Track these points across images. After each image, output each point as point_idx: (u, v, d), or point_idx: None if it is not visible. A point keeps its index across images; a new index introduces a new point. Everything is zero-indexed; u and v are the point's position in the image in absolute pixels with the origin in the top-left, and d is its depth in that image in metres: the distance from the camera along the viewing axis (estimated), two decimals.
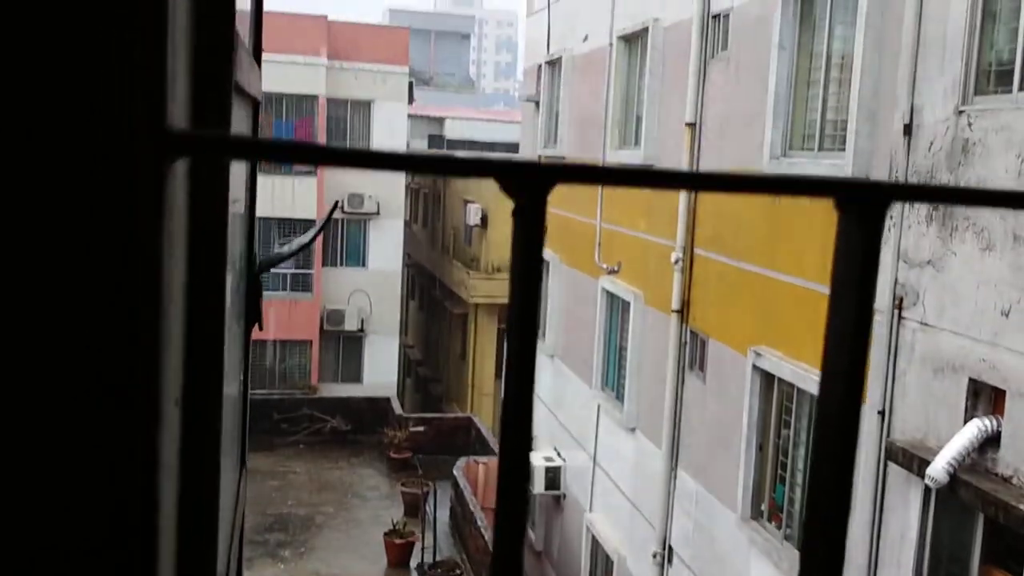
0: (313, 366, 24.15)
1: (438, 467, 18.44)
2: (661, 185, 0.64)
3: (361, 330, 24.55)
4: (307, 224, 22.91)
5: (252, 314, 1.83)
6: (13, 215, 0.51)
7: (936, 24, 5.99)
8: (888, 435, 6.29)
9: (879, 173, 6.60)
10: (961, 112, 5.75)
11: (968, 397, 5.63)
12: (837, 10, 7.33)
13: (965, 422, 5.56)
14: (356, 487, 19.15)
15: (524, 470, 0.58)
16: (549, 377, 13.81)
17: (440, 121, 35.22)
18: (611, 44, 11.78)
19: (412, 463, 19.74)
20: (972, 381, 5.60)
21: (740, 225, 8.70)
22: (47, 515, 0.52)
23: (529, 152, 15.42)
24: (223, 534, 1.25)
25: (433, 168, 0.58)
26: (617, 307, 11.74)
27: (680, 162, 9.71)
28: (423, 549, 15.43)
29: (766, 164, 7.99)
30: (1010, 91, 5.52)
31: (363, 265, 24.88)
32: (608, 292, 11.86)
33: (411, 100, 25.96)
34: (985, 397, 5.56)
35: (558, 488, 13.32)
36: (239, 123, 1.33)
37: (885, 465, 6.28)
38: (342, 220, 24.14)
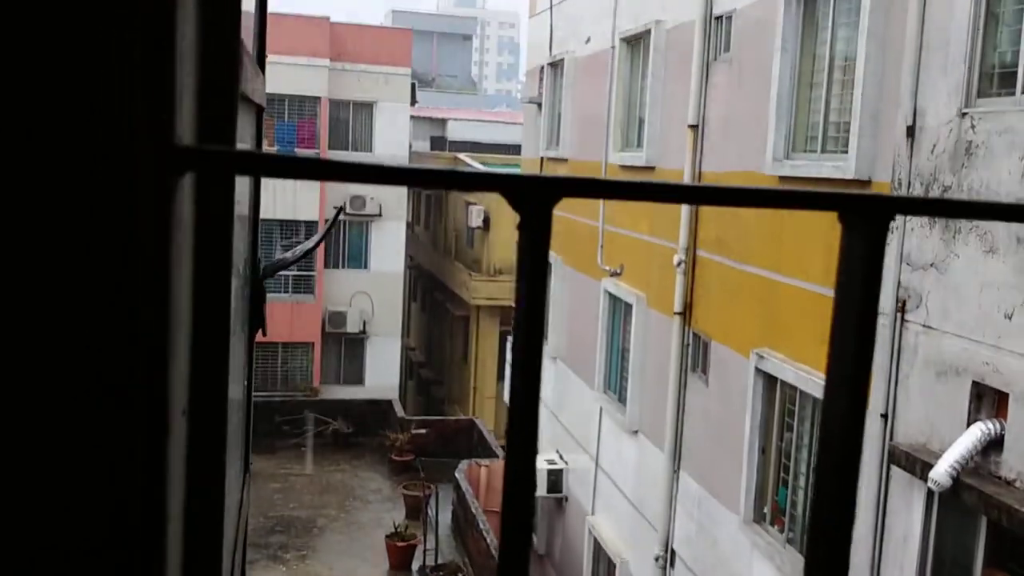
0: (315, 368, 24.16)
1: (440, 470, 18.44)
2: (666, 199, 0.64)
3: (363, 332, 24.55)
4: (309, 226, 22.93)
5: (256, 319, 1.83)
6: (25, 230, 0.51)
7: (939, 26, 5.99)
8: (891, 438, 6.28)
9: (882, 175, 6.60)
10: (964, 114, 5.75)
11: (971, 400, 5.62)
12: (840, 12, 7.33)
13: (968, 425, 5.55)
14: (358, 490, 19.15)
15: (529, 476, 0.58)
16: (551, 379, 13.81)
17: (442, 122, 35.24)
18: (614, 46, 11.78)
19: (414, 465, 19.73)
20: (975, 384, 5.60)
21: (743, 227, 8.70)
22: (48, 515, 0.52)
23: (531, 154, 15.42)
24: (227, 538, 1.25)
25: (440, 182, 0.58)
26: (619, 309, 11.74)
27: (682, 164, 9.71)
28: (425, 552, 15.43)
29: (769, 166, 7.99)
30: (1013, 93, 5.52)
31: (365, 267, 24.89)
32: (610, 294, 11.85)
33: (413, 101, 25.98)
34: (988, 400, 5.56)
35: (560, 491, 13.32)
36: (244, 131, 1.33)
37: (888, 468, 6.27)
38: (344, 222, 24.15)
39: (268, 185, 20.86)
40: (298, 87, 22.84)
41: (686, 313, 9.72)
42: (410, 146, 26.61)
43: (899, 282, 6.28)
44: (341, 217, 23.45)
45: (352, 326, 24.27)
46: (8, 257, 0.51)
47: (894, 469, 6.20)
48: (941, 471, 5.43)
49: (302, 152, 22.41)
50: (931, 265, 6.03)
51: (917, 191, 6.16)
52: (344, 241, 24.69)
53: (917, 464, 5.85)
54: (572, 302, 13.34)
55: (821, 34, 7.61)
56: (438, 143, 34.42)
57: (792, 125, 7.90)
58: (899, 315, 6.25)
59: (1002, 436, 5.36)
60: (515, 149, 26.78)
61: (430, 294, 28.86)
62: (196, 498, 0.75)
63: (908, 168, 6.26)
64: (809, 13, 7.76)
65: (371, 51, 24.44)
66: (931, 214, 0.67)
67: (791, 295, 7.77)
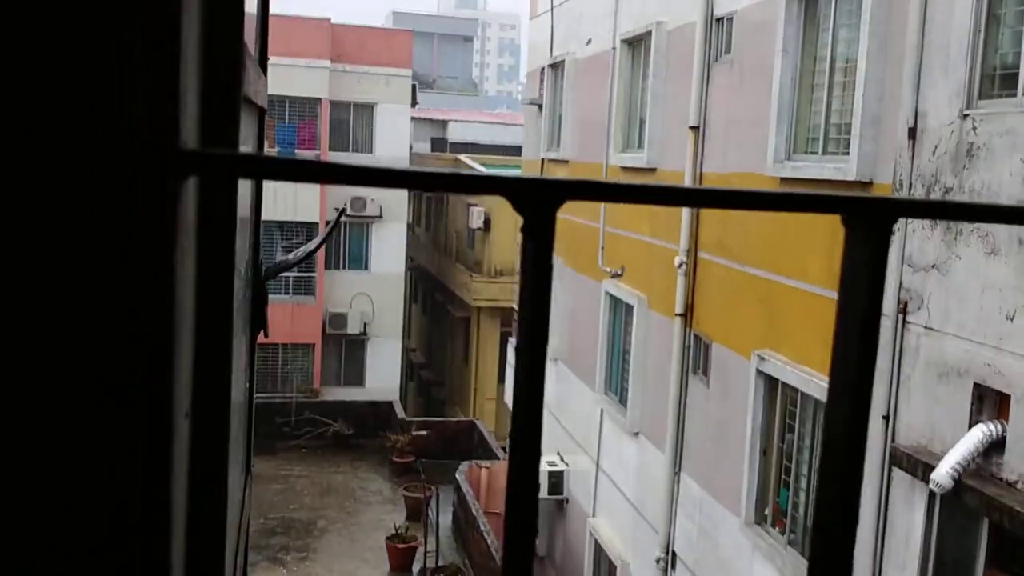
0: (315, 370, 24.16)
1: (441, 471, 18.44)
2: (668, 202, 0.64)
3: (363, 333, 24.55)
4: (310, 227, 22.94)
5: (258, 321, 1.83)
6: (27, 232, 0.51)
7: (940, 28, 5.99)
8: (893, 440, 6.28)
9: (883, 177, 6.60)
10: (966, 116, 5.74)
11: (973, 402, 5.62)
12: (841, 14, 7.33)
13: (970, 427, 5.54)
14: (358, 491, 19.15)
15: (533, 481, 0.58)
16: (552, 381, 13.81)
17: (443, 124, 35.26)
18: (614, 47, 11.79)
19: (415, 467, 19.73)
20: (977, 386, 5.59)
21: (744, 229, 8.70)
22: (48, 515, 0.52)
23: (532, 155, 15.43)
24: (229, 539, 1.25)
25: (443, 185, 0.58)
26: (620, 311, 11.74)
27: (683, 165, 9.71)
28: (425, 554, 15.42)
29: (770, 168, 7.99)
30: (1015, 95, 5.52)
31: (366, 268, 24.89)
32: (611, 296, 11.85)
33: (414, 103, 25.99)
34: (990, 402, 5.55)
35: (561, 493, 13.31)
36: (246, 133, 1.33)
37: (889, 470, 6.27)
38: (345, 223, 24.15)
39: (269, 187, 20.85)
40: (299, 88, 22.85)
41: (687, 315, 9.71)
42: (411, 147, 26.63)
43: (901, 283, 6.28)
44: (342, 219, 23.50)
45: (353, 327, 24.27)
46: (10, 258, 0.51)
47: (895, 471, 6.20)
48: (943, 473, 5.43)
49: (302, 154, 22.42)
50: (933, 266, 6.03)
51: (919, 193, 6.16)
52: (345, 242, 24.69)
53: (919, 466, 5.85)
54: (573, 304, 13.33)
55: (822, 36, 7.61)
56: (439, 144, 34.44)
57: (793, 126, 7.90)
58: (901, 316, 6.25)
59: (1004, 438, 5.35)
60: (516, 150, 26.79)
61: (431, 295, 28.87)
62: (199, 499, 0.75)
63: (909, 170, 6.26)
64: (810, 15, 7.76)
65: (372, 52, 24.45)
66: (935, 216, 0.66)
67: (792, 297, 7.76)
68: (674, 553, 9.95)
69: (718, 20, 9.27)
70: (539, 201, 0.58)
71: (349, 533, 17.11)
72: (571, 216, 12.78)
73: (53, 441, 0.52)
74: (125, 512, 0.54)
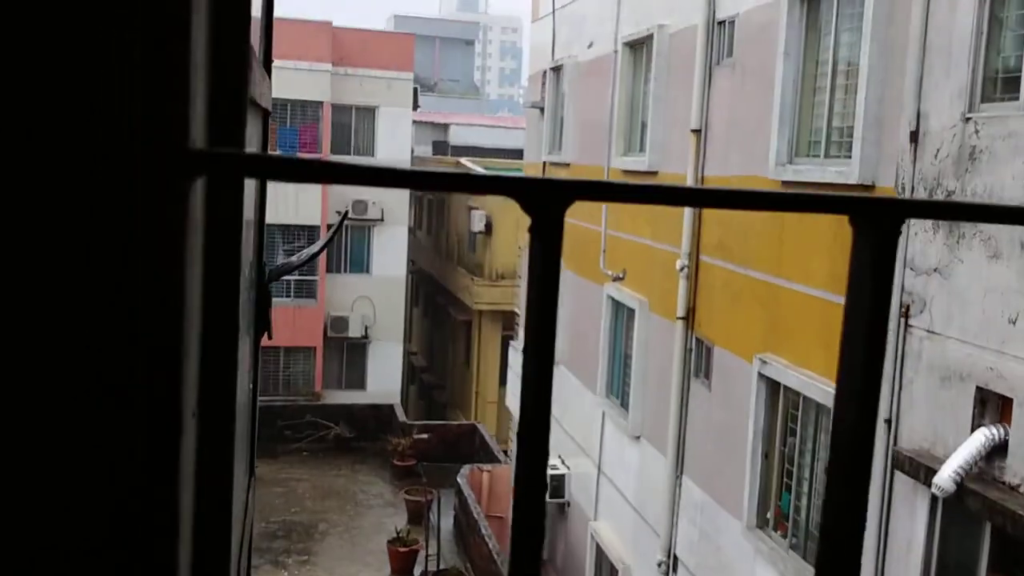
0: (317, 373, 24.16)
1: (442, 475, 18.43)
2: (676, 202, 0.64)
3: (365, 337, 24.56)
4: (311, 231, 22.95)
5: (261, 323, 1.83)
6: (41, 234, 0.51)
7: (942, 31, 5.99)
8: (895, 444, 6.27)
9: (885, 180, 6.59)
10: (968, 119, 5.74)
11: (975, 405, 5.61)
12: (843, 17, 7.33)
13: (972, 431, 5.54)
14: (359, 495, 19.14)
15: (540, 486, 0.58)
16: (554, 385, 13.77)
17: (445, 127, 35.28)
18: (616, 50, 11.80)
19: (416, 471, 19.72)
20: (979, 389, 5.59)
21: (746, 232, 8.70)
22: (48, 515, 0.52)
23: (534, 158, 15.43)
24: (234, 540, 1.25)
25: (451, 185, 0.58)
26: (622, 314, 11.73)
27: (685, 169, 9.71)
28: (427, 557, 15.40)
29: (772, 171, 7.99)
30: (1017, 98, 5.52)
31: (367, 272, 24.90)
32: (613, 299, 11.85)
33: (416, 106, 26.01)
34: (992, 405, 5.55)
35: (563, 496, 13.30)
36: (251, 135, 1.33)
37: (892, 474, 6.26)
38: (346, 227, 24.17)
39: (270, 190, 20.81)
40: (300, 92, 22.88)
41: (689, 318, 9.71)
42: (412, 151, 26.64)
43: (903, 287, 6.28)
44: (345, 222, 23.51)
45: (354, 331, 24.27)
46: (15, 257, 0.51)
47: (898, 474, 6.19)
48: (945, 476, 5.42)
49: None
50: (935, 270, 6.03)
51: (921, 196, 6.16)
52: (346, 246, 24.70)
53: (921, 469, 5.84)
54: (574, 307, 13.33)
55: (824, 39, 7.61)
56: (440, 148, 34.46)
57: (795, 129, 7.90)
58: (903, 320, 6.25)
59: (1006, 441, 5.34)
60: (517, 154, 26.82)
61: (432, 299, 28.87)
62: (205, 499, 0.75)
63: (912, 173, 6.26)
64: (812, 18, 7.77)
65: (373, 56, 24.48)
66: (942, 217, 0.66)
67: (794, 300, 7.76)
68: (675, 557, 9.93)
69: (720, 23, 9.27)
70: (547, 202, 0.58)
71: (350, 536, 17.10)
72: (573, 219, 12.78)
73: (53, 441, 0.52)
74: (125, 512, 0.54)
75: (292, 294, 23.64)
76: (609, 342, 12.01)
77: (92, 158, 0.51)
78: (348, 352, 24.82)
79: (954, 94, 5.86)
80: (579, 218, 12.61)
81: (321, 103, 23.68)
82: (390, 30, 44.92)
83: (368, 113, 24.62)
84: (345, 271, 24.74)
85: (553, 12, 14.30)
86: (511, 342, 17.29)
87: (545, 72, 14.67)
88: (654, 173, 10.69)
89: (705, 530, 9.32)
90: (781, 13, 7.91)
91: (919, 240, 6.18)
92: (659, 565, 10.06)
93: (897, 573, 6.28)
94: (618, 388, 11.86)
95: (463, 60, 65.41)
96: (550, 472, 13.22)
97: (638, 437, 11.02)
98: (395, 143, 24.38)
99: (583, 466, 12.84)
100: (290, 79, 21.86)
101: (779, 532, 8.10)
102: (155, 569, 0.55)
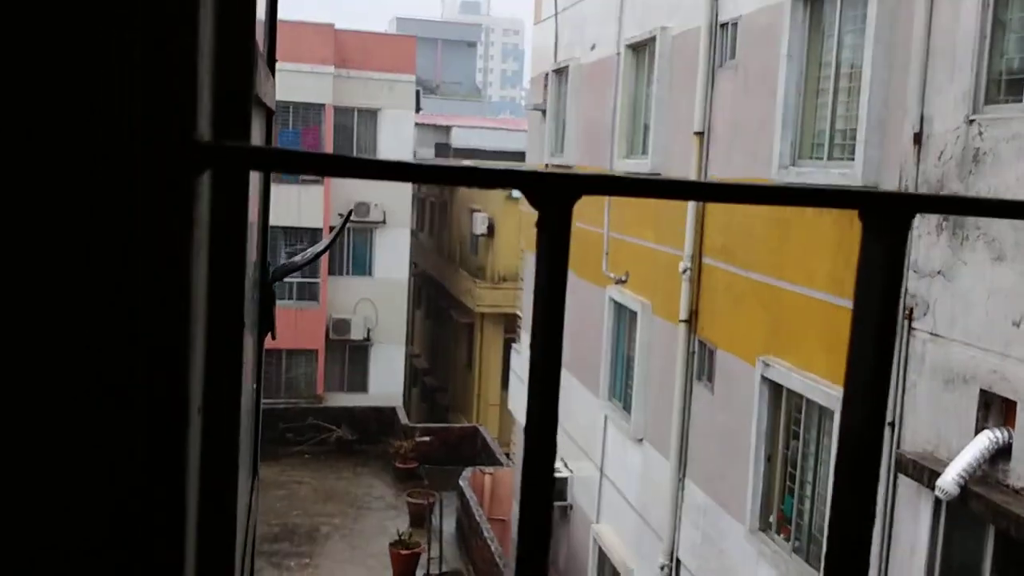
0: (319, 375, 24.17)
1: (444, 477, 18.41)
2: (688, 197, 0.63)
3: (367, 339, 24.56)
4: (313, 233, 22.97)
5: (265, 323, 1.83)
6: (48, 226, 0.51)
7: (946, 33, 5.99)
8: (898, 447, 6.25)
9: (889, 183, 6.59)
10: (971, 121, 5.74)
11: (979, 408, 5.60)
12: (846, 19, 7.33)
13: (976, 433, 5.52)
14: (361, 497, 19.13)
15: (547, 486, 0.58)
16: None
17: (446, 129, 35.29)
18: (619, 52, 11.80)
19: (418, 473, 19.71)
20: (983, 392, 5.57)
21: (748, 235, 8.69)
22: (48, 515, 0.52)
23: (535, 160, 15.44)
24: (238, 541, 1.25)
25: (459, 179, 0.58)
26: (624, 317, 11.73)
27: (688, 171, 9.71)
28: (429, 560, 15.39)
29: (775, 173, 7.98)
30: (1020, 100, 5.51)
31: (369, 274, 24.91)
32: (615, 302, 11.84)
33: (418, 108, 26.03)
34: (996, 408, 5.53)
35: (565, 499, 13.28)
36: (256, 133, 1.33)
37: (895, 477, 6.25)
38: (349, 229, 24.19)
39: (273, 192, 20.80)
40: (303, 94, 22.90)
41: (691, 321, 9.70)
42: (414, 153, 26.65)
43: (906, 289, 6.27)
44: (347, 223, 23.50)
45: (356, 333, 24.28)
46: (17, 255, 0.51)
47: (901, 477, 6.18)
48: (949, 480, 5.41)
49: None
50: (938, 272, 6.01)
51: None
52: (348, 248, 24.72)
53: (924, 472, 5.82)
54: (577, 310, 13.32)
55: (827, 41, 7.61)
56: (442, 150, 34.46)
57: (798, 132, 7.90)
58: (906, 323, 6.24)
59: (1010, 444, 5.33)
60: (519, 156, 26.82)
61: (434, 301, 28.87)
62: (209, 498, 0.74)
63: (915, 175, 6.25)
64: (815, 20, 7.76)
65: (375, 58, 24.51)
66: (954, 212, 0.66)
67: (797, 303, 7.75)
68: (678, 560, 9.91)
69: (723, 25, 9.27)
70: (556, 195, 0.58)
71: (352, 539, 17.09)
72: (575, 221, 12.70)
73: (53, 441, 0.52)
74: (126, 512, 0.53)
75: (294, 297, 23.65)
76: (611, 345, 12.00)
77: (98, 152, 0.51)
78: (350, 354, 24.82)
79: (958, 96, 5.85)
80: (582, 220, 12.61)
81: (323, 105, 23.71)
82: (392, 32, 44.98)
83: (370, 115, 24.65)
84: (347, 273, 24.76)
85: (555, 14, 14.31)
86: (513, 345, 17.28)
87: (547, 74, 14.67)
88: (656, 175, 10.68)
89: (708, 533, 9.30)
90: (784, 15, 7.91)
91: (923, 242, 6.17)
92: (662, 568, 10.04)
93: None
94: (620, 391, 11.85)
95: (465, 62, 65.45)
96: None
97: (640, 440, 11.01)
98: (397, 145, 24.40)
99: (585, 469, 12.83)
100: (292, 81, 21.89)
101: (782, 535, 8.08)
102: (160, 570, 0.55)
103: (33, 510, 0.52)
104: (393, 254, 24.93)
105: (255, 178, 1.51)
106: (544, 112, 14.76)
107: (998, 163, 5.55)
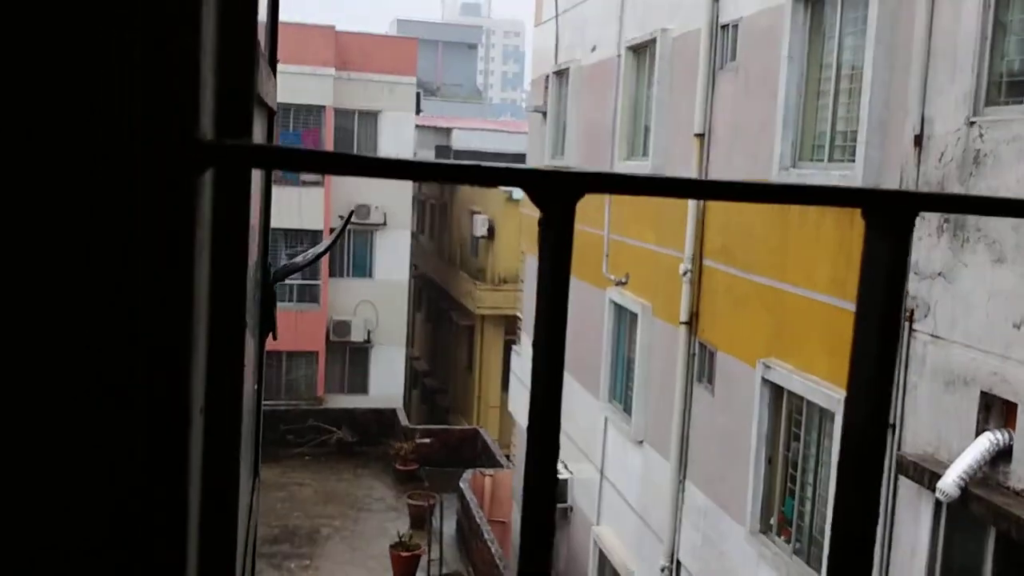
0: (319, 377, 24.16)
1: (444, 479, 18.41)
2: (691, 195, 0.63)
3: (367, 341, 24.56)
4: (314, 235, 22.97)
5: (267, 324, 1.83)
6: (48, 224, 0.51)
7: (947, 34, 5.99)
8: (899, 448, 6.25)
9: (889, 184, 6.59)
10: (972, 123, 5.74)
11: (980, 410, 5.60)
12: (847, 21, 7.33)
13: (976, 435, 5.52)
14: (362, 499, 19.12)
15: (551, 484, 0.58)
16: None
17: (447, 131, 35.31)
18: (619, 54, 11.80)
19: (418, 475, 19.70)
20: (984, 394, 5.57)
21: (749, 237, 8.69)
22: (48, 515, 0.52)
23: (536, 162, 15.44)
24: (239, 543, 1.25)
25: (462, 177, 0.58)
26: (625, 319, 11.72)
27: (688, 173, 9.71)
28: (429, 562, 15.38)
29: (775, 175, 7.98)
30: (1021, 102, 5.51)
31: (370, 276, 24.91)
32: (616, 304, 11.84)
33: (418, 110, 26.05)
34: (997, 410, 5.53)
35: (565, 501, 13.28)
36: (258, 133, 1.33)
37: (896, 479, 6.24)
38: (349, 231, 24.20)
39: (274, 195, 20.79)
40: (303, 96, 22.92)
41: (692, 323, 9.70)
42: (415, 155, 26.66)
43: (907, 291, 6.27)
44: (348, 226, 23.51)
45: (356, 335, 24.28)
46: (19, 252, 0.51)
47: (902, 479, 6.17)
48: (949, 481, 5.40)
49: None
50: (939, 274, 6.01)
51: None
52: (349, 250, 24.72)
53: (925, 474, 5.82)
54: (577, 312, 13.32)
55: (828, 42, 7.61)
56: (443, 152, 34.47)
57: (799, 133, 7.90)
58: (907, 324, 6.23)
59: (1011, 446, 5.33)
60: (520, 158, 26.82)
61: (435, 303, 28.87)
62: (211, 498, 0.74)
63: (916, 177, 6.25)
64: (816, 21, 7.77)
65: (376, 60, 24.53)
66: (958, 211, 0.66)
67: (798, 305, 7.75)
68: (679, 562, 9.91)
69: (723, 27, 9.28)
70: (559, 193, 0.58)
71: (352, 541, 17.08)
72: (575, 223, 12.76)
73: (53, 441, 0.52)
74: (126, 512, 0.53)
75: (295, 298, 23.65)
76: (612, 347, 12.00)
77: (100, 151, 0.51)
78: (350, 356, 24.82)
79: (958, 98, 5.85)
80: (582, 222, 12.59)
81: (324, 107, 23.73)
82: (393, 34, 45.00)
83: (371, 117, 24.66)
84: (348, 275, 24.76)
85: (556, 16, 14.31)
86: (513, 347, 17.28)
87: (548, 76, 14.68)
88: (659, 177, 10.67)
89: (708, 535, 9.29)
90: (785, 17, 7.91)
91: (923, 244, 6.17)
92: (662, 570, 10.04)
93: None
94: (621, 393, 11.85)
95: (466, 64, 65.48)
96: None
97: (641, 442, 11.00)
98: (398, 147, 24.41)
99: (586, 471, 12.82)
100: (293, 83, 21.91)
101: (782, 537, 8.08)
102: (161, 569, 0.55)
103: (33, 510, 0.52)
104: (393, 256, 24.93)
105: (256, 179, 1.51)
106: (545, 114, 14.77)
107: (999, 165, 5.55)
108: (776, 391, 8.13)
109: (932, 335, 6.05)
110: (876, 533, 0.60)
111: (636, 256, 11.22)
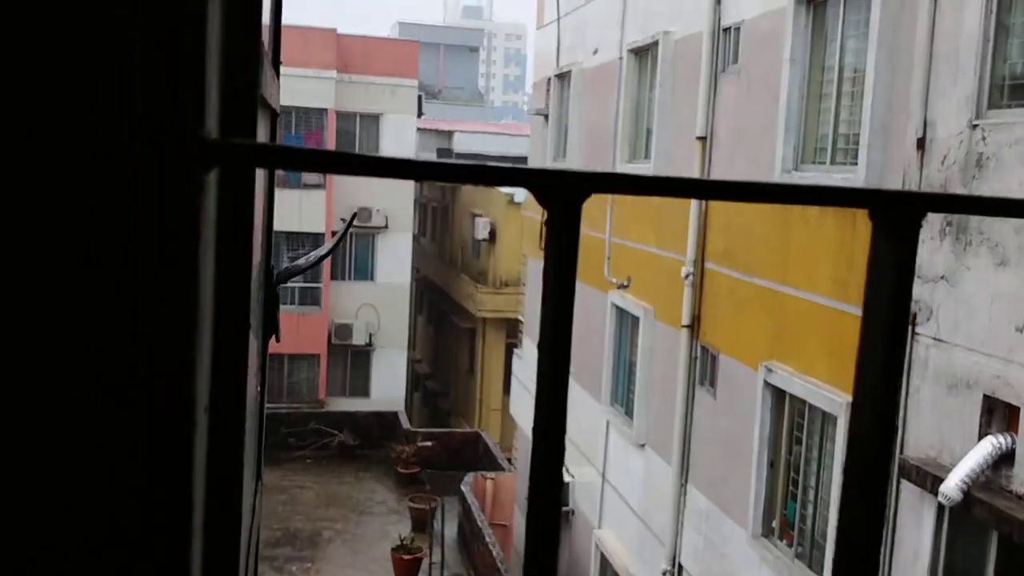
0: (321, 380, 24.16)
1: (446, 482, 18.38)
2: (696, 195, 0.63)
3: (369, 344, 24.55)
4: (315, 238, 22.98)
5: (270, 325, 1.83)
6: (48, 224, 0.50)
7: (949, 37, 5.99)
8: (901, 452, 6.24)
9: (891, 187, 6.58)
10: (975, 126, 5.73)
11: (982, 414, 5.59)
12: (849, 23, 7.33)
13: (979, 439, 5.51)
14: (363, 502, 19.11)
15: (556, 482, 0.57)
16: None
17: (449, 134, 35.33)
18: (621, 57, 11.81)
19: (420, 478, 19.69)
20: (986, 398, 5.56)
21: (751, 239, 8.68)
22: (48, 515, 0.52)
23: (538, 165, 15.42)
24: (242, 543, 1.24)
25: (468, 177, 0.57)
26: (627, 322, 11.72)
27: (690, 176, 9.70)
28: (431, 565, 15.37)
29: (777, 178, 7.98)
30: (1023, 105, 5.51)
31: (371, 279, 24.92)
32: (617, 307, 11.83)
33: (420, 113, 26.06)
34: (999, 414, 5.52)
35: (567, 504, 13.26)
36: (261, 134, 1.33)
37: (898, 482, 6.23)
38: (351, 234, 24.21)
39: (276, 197, 20.77)
40: (305, 99, 22.94)
41: (694, 326, 9.69)
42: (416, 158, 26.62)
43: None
44: (350, 229, 23.52)
45: (358, 338, 24.27)
46: (23, 255, 0.51)
47: (904, 483, 6.16)
48: (952, 485, 5.39)
49: None
50: (942, 277, 6.01)
51: None
52: (350, 253, 24.73)
53: (927, 478, 5.81)
54: (579, 315, 13.27)
55: (830, 45, 7.61)
56: (444, 155, 34.46)
57: (801, 136, 7.90)
58: (910, 328, 6.23)
59: (1013, 450, 5.32)
60: (522, 161, 26.83)
61: (436, 306, 28.87)
62: (215, 496, 0.74)
63: (918, 180, 6.25)
64: (818, 24, 7.77)
65: (378, 63, 24.55)
66: (965, 211, 0.66)
67: (800, 308, 7.74)
68: (680, 566, 9.89)
69: (725, 30, 9.28)
70: (565, 194, 0.57)
71: (354, 544, 17.07)
72: None
73: (53, 441, 0.52)
74: (126, 512, 0.53)
75: (296, 301, 23.66)
76: (613, 350, 11.99)
77: (103, 150, 0.51)
78: (352, 359, 24.82)
79: (961, 101, 5.85)
80: (584, 225, 12.49)
81: (325, 110, 23.75)
82: (394, 37, 45.04)
83: (372, 120, 24.68)
84: (349, 278, 24.77)
85: (558, 19, 14.32)
86: (515, 350, 17.27)
87: (550, 79, 14.69)
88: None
89: (710, 539, 9.28)
90: (787, 20, 7.92)
91: (926, 247, 6.17)
92: (664, 574, 10.02)
93: None
94: (622, 396, 11.84)
95: (467, 67, 65.55)
96: None
97: (643, 445, 10.99)
98: (399, 150, 24.41)
99: (587, 474, 12.81)
100: (294, 86, 21.92)
101: (784, 541, 8.06)
102: (163, 569, 0.55)
103: (33, 510, 0.51)
104: (395, 259, 24.93)
105: (259, 180, 1.51)
106: (546, 117, 14.77)
107: (1001, 168, 5.54)
108: (778, 394, 8.12)
109: (935, 338, 6.04)
110: (881, 541, 0.60)
111: (638, 259, 11.22)
